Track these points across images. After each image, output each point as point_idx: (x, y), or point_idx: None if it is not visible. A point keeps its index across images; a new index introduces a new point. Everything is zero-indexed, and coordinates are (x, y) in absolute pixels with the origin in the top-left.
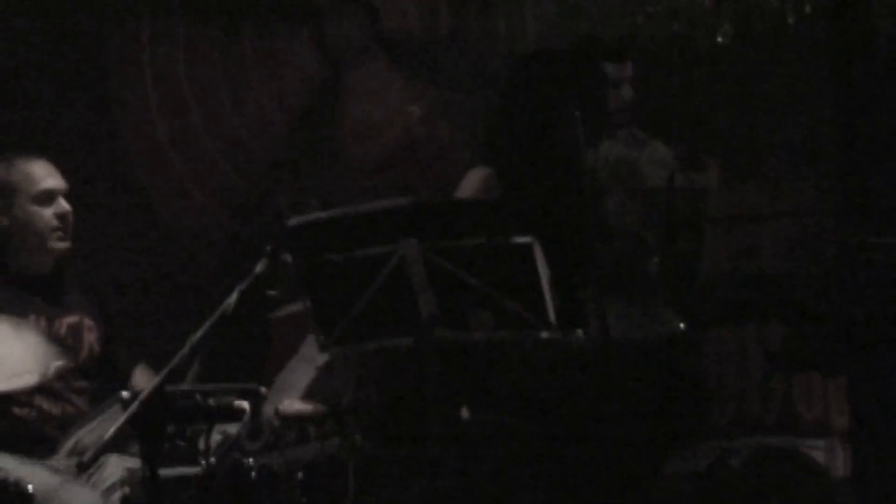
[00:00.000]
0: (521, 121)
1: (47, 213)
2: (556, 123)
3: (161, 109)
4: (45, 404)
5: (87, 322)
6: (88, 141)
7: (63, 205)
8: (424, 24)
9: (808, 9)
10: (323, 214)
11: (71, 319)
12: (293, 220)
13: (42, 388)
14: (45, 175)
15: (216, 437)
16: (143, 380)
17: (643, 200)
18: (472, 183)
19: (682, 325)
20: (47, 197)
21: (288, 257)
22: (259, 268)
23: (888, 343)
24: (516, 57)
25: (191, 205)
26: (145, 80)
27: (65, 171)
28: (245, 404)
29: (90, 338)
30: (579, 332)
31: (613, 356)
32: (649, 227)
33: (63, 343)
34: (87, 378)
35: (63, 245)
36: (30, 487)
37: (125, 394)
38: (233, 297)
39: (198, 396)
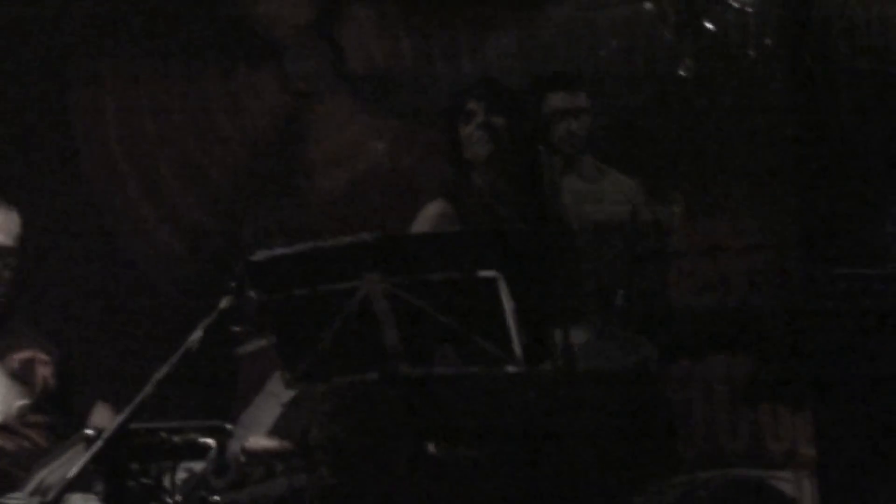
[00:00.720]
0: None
1: None
2: (521, 157)
3: (123, 144)
4: (0, 440)
5: (41, 356)
6: (51, 174)
7: None
8: (388, 60)
9: (768, 41)
10: (287, 250)
11: (23, 355)
12: (258, 256)
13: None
14: None
15: (182, 475)
16: (101, 417)
17: (607, 233)
18: (426, 218)
19: (649, 356)
20: None
21: (252, 293)
22: (223, 304)
23: (854, 374)
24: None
25: (153, 239)
26: (107, 116)
27: (26, 206)
28: (211, 441)
29: (44, 372)
30: (546, 364)
31: (580, 388)
32: (614, 260)
33: (17, 379)
34: (42, 412)
35: None
36: None
37: (89, 431)
38: (197, 334)
39: (163, 434)
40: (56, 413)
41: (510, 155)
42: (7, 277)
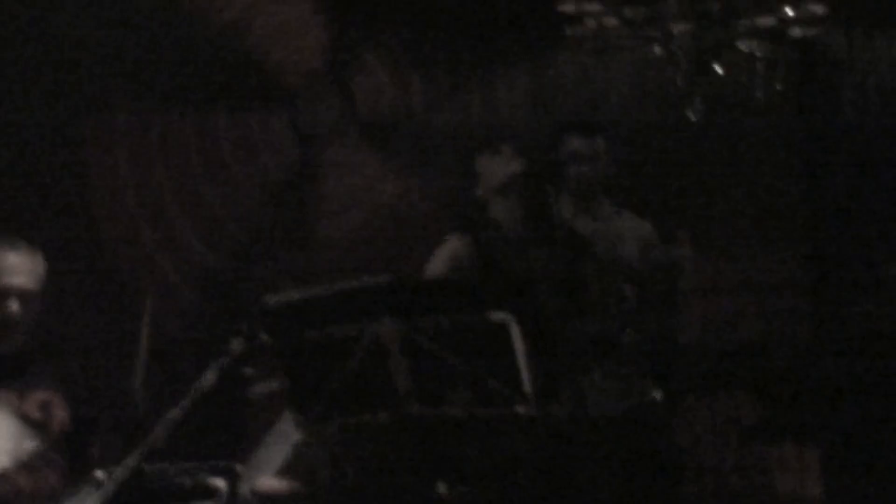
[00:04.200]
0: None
1: None
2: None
3: (135, 188)
4: (21, 480)
5: (57, 399)
6: (64, 218)
7: (8, 306)
8: (398, 104)
9: (778, 86)
10: (299, 294)
11: (41, 395)
12: (271, 301)
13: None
14: (4, 271)
15: None
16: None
17: (619, 273)
18: (441, 259)
19: (657, 395)
20: None
21: (264, 336)
22: (235, 346)
23: (861, 413)
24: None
25: (165, 283)
26: (120, 162)
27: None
28: (221, 482)
29: (61, 413)
30: (555, 405)
31: (588, 430)
32: (624, 300)
33: (34, 419)
34: (59, 454)
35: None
36: None
37: (99, 473)
38: (209, 376)
39: (173, 475)
40: (72, 455)
41: (525, 196)
42: (28, 321)
